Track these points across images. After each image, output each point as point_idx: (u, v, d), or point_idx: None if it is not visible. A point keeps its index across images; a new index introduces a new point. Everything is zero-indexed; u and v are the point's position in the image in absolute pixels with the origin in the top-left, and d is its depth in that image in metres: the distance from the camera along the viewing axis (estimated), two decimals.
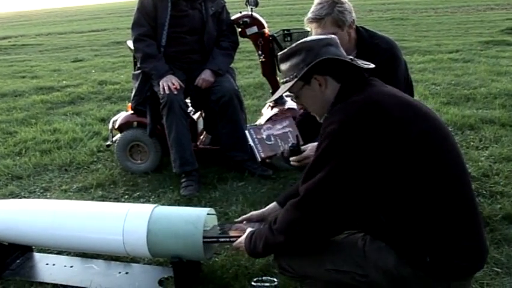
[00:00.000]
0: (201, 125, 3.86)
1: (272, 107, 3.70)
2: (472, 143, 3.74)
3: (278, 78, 3.69)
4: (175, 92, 3.25)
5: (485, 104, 4.79)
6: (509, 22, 11.73)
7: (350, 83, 1.64)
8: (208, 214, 2.12)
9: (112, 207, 2.29)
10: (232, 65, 3.69)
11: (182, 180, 3.29)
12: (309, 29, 2.61)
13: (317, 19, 2.36)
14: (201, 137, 3.83)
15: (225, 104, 3.39)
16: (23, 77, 8.26)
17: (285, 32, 3.56)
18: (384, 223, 1.56)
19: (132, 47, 3.63)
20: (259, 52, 3.62)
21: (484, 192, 2.89)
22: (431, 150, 1.52)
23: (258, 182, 3.31)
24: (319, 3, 2.38)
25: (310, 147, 2.12)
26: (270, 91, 3.87)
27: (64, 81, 7.42)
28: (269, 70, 3.67)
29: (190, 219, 2.05)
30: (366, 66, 1.66)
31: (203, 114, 3.83)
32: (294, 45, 1.70)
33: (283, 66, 1.73)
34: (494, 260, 2.25)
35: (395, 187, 1.51)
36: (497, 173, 3.15)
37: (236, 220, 2.16)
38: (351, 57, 1.69)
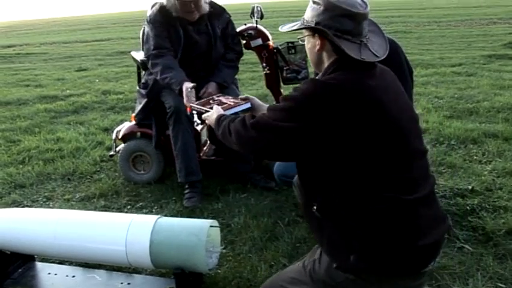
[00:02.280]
0: (204, 136, 3.86)
1: None
2: (475, 157, 3.74)
3: (282, 90, 3.70)
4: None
5: (488, 117, 4.80)
6: (511, 36, 11.76)
7: (346, 60, 1.60)
8: (211, 226, 2.12)
9: (115, 217, 2.29)
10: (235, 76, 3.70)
11: (186, 191, 3.30)
12: None
13: None
14: (204, 148, 3.84)
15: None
16: (27, 85, 8.29)
17: (290, 44, 3.57)
18: (319, 210, 1.59)
19: (137, 58, 3.65)
20: (264, 64, 3.63)
21: (487, 206, 2.88)
22: (383, 150, 1.53)
23: (261, 193, 3.31)
24: None
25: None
26: (274, 103, 3.87)
27: (68, 90, 7.45)
28: (273, 82, 3.68)
29: (193, 230, 2.06)
30: (374, 53, 1.61)
31: (207, 125, 3.84)
32: None
33: (308, 6, 1.71)
34: (498, 276, 2.25)
35: (333, 171, 1.54)
36: (500, 187, 3.15)
37: None
38: (365, 38, 1.63)
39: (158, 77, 3.31)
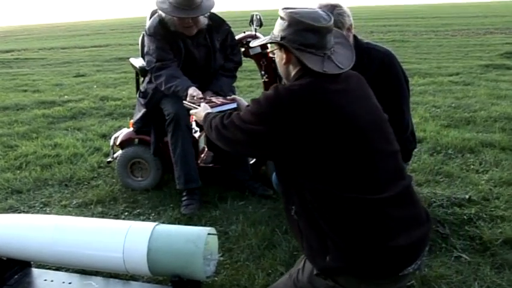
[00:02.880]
0: (202, 144, 3.87)
1: None
2: (472, 166, 3.76)
3: None
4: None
5: (485, 127, 4.82)
6: (508, 46, 11.82)
7: (309, 70, 1.67)
8: (209, 234, 2.12)
9: (113, 224, 2.29)
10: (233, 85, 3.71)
11: (184, 198, 3.29)
12: None
13: None
14: (202, 155, 3.84)
15: None
16: (25, 90, 8.28)
17: None
18: (296, 211, 1.66)
19: (136, 65, 3.66)
20: (262, 72, 3.63)
21: (485, 216, 2.89)
22: (346, 151, 1.59)
23: (259, 201, 3.31)
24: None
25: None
26: None
27: (66, 96, 7.44)
28: None
29: (191, 238, 2.06)
30: (337, 64, 1.68)
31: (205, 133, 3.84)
32: (290, 10, 1.73)
33: (276, 21, 1.78)
34: (495, 285, 2.25)
35: (301, 172, 1.61)
36: (497, 197, 3.16)
37: None
38: (329, 51, 1.69)
39: (163, 88, 3.27)
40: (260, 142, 1.67)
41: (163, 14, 3.30)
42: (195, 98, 2.94)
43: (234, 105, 2.39)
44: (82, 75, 9.97)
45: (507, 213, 2.90)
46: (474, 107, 5.59)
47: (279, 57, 1.78)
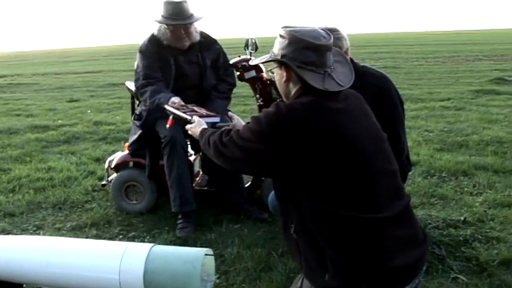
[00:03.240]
0: (197, 167, 3.87)
1: None
2: (466, 189, 3.78)
3: None
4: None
5: (477, 150, 4.86)
6: (497, 72, 12.04)
7: (310, 87, 1.68)
8: (206, 255, 2.11)
9: (109, 245, 2.27)
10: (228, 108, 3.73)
11: (179, 221, 3.28)
12: None
13: None
14: (197, 178, 3.84)
15: None
16: (18, 115, 8.27)
17: None
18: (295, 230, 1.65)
19: (131, 88, 3.68)
20: (257, 96, 3.66)
21: (480, 237, 2.89)
22: (344, 170, 1.60)
23: (254, 224, 3.30)
24: None
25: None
26: None
27: (59, 121, 7.44)
28: None
29: (188, 258, 2.04)
30: (338, 82, 1.70)
31: (200, 156, 3.85)
32: (290, 28, 1.75)
33: (276, 39, 1.80)
34: None
35: (300, 189, 1.62)
36: (492, 218, 3.17)
37: None
38: (329, 68, 1.71)
39: (147, 103, 3.34)
40: (259, 160, 1.66)
41: (156, 29, 3.40)
42: (176, 104, 2.96)
43: (217, 119, 2.39)
44: (76, 100, 10.00)
45: (502, 234, 2.91)
46: (466, 131, 5.65)
47: (279, 75, 1.79)
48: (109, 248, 2.20)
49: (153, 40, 3.43)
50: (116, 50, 34.90)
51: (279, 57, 1.73)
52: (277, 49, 1.76)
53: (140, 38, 3.69)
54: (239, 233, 3.16)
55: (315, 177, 1.59)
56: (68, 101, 9.92)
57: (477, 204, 3.43)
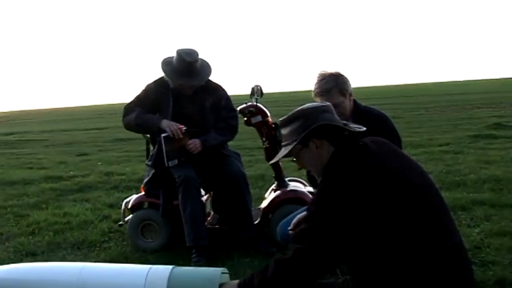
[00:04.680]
0: (208, 208, 4.07)
1: (275, 190, 3.95)
2: (463, 222, 3.94)
3: (280, 164, 3.95)
4: (180, 134, 3.53)
5: (475, 188, 5.04)
6: (495, 118, 12.36)
7: (343, 146, 1.83)
8: (222, 273, 2.29)
9: (134, 267, 2.46)
10: (238, 151, 3.97)
11: (193, 255, 3.45)
12: None
13: (325, 92, 2.70)
14: (209, 218, 4.03)
15: (233, 185, 3.65)
16: (31, 168, 8.53)
17: None
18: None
19: (146, 134, 3.94)
20: (264, 139, 3.90)
21: (476, 261, 3.05)
22: (422, 207, 1.69)
23: (264, 258, 3.45)
24: (322, 79, 2.74)
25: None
26: (273, 175, 4.11)
27: (72, 172, 7.67)
28: (272, 155, 3.93)
29: (206, 276, 2.23)
30: (358, 129, 1.88)
31: (211, 196, 4.06)
32: (293, 111, 1.91)
33: (284, 131, 1.94)
34: None
35: (377, 248, 1.67)
36: (488, 245, 3.33)
37: None
38: (344, 122, 1.92)
39: (133, 122, 3.69)
40: (342, 241, 1.66)
41: (164, 75, 3.69)
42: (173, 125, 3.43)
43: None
44: (85, 154, 10.27)
45: (498, 258, 3.07)
46: (464, 172, 5.86)
47: (307, 153, 1.87)
48: (135, 269, 2.39)
49: (160, 83, 3.73)
50: (121, 109, 35.44)
51: (304, 134, 1.82)
52: (295, 134, 1.86)
53: None
54: (250, 265, 3.32)
55: (389, 224, 1.65)
56: (78, 155, 10.19)
57: (474, 234, 3.59)
